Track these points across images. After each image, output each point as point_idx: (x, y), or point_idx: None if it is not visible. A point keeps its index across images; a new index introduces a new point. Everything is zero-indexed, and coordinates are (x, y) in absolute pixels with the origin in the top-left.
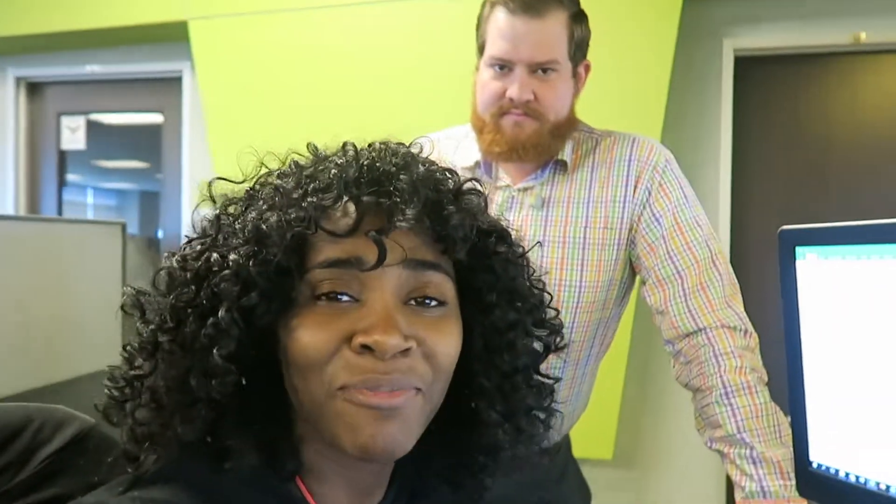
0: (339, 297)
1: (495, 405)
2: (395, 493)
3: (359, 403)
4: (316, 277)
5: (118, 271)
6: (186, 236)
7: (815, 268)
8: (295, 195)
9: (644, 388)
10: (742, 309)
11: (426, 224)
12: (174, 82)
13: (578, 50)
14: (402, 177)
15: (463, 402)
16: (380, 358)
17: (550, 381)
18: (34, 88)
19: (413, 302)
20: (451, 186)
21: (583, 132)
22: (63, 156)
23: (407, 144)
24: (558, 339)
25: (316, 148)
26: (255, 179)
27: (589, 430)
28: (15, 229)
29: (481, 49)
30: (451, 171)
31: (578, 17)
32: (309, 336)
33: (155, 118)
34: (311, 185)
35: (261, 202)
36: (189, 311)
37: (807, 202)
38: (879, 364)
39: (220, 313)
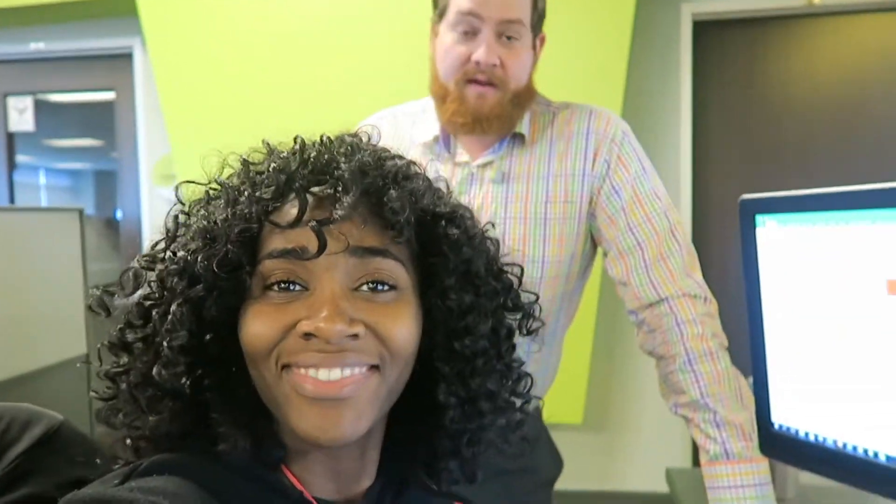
0: (288, 286)
1: (455, 390)
2: (383, 481)
3: (304, 393)
4: (266, 268)
5: (78, 258)
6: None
7: (774, 234)
8: (243, 192)
9: (611, 353)
10: (701, 277)
11: (364, 210)
12: (125, 58)
13: (539, 19)
14: (342, 166)
15: (430, 391)
16: (324, 344)
17: (517, 367)
18: None
19: (365, 288)
20: (390, 170)
21: (540, 104)
22: (11, 138)
23: (356, 133)
24: (530, 322)
25: (269, 144)
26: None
27: (559, 396)
28: None
29: (442, 13)
30: (399, 156)
31: None
32: (257, 325)
33: (107, 96)
34: (258, 181)
35: (216, 201)
36: (153, 309)
37: (766, 163)
38: (837, 328)
39: (172, 308)
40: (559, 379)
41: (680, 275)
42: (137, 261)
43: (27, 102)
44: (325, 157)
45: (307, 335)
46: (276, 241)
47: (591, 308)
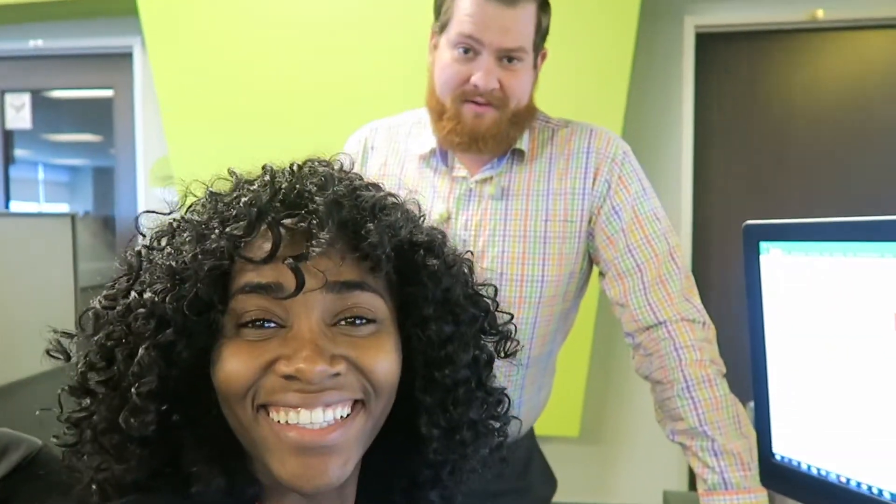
0: (263, 323)
1: (437, 421)
2: None
3: (287, 435)
4: (240, 305)
5: (69, 265)
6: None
7: (779, 263)
8: (211, 226)
9: (609, 366)
10: (699, 301)
11: (342, 245)
12: (124, 58)
13: (542, 39)
14: (317, 198)
15: (410, 422)
16: (306, 386)
17: (497, 392)
18: None
19: (343, 322)
20: (367, 202)
21: (539, 121)
22: (8, 135)
23: (328, 161)
24: (509, 345)
25: (235, 174)
26: (183, 208)
27: (555, 409)
28: None
29: (443, 26)
30: (374, 185)
31: (545, 7)
32: (232, 365)
33: (105, 93)
34: (227, 214)
35: (181, 235)
36: (116, 350)
37: (768, 177)
38: (841, 359)
39: (140, 352)
40: (556, 392)
41: (678, 298)
42: (99, 301)
43: (24, 99)
44: (297, 188)
45: (287, 377)
46: (248, 276)
47: (589, 322)
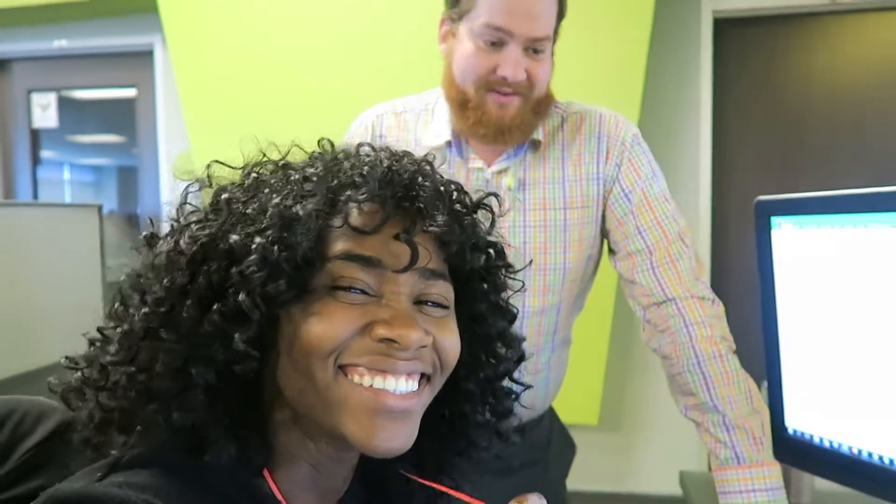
0: (357, 290)
1: (478, 409)
2: (358, 485)
3: (367, 396)
4: (336, 269)
5: (97, 255)
6: (173, 218)
7: (790, 237)
8: (320, 185)
9: (628, 355)
10: (707, 280)
11: (453, 231)
12: (146, 56)
13: (559, 24)
14: (426, 183)
15: (441, 406)
16: (399, 351)
17: (522, 388)
18: (2, 65)
19: (422, 304)
20: (467, 199)
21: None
22: (35, 134)
23: (411, 153)
24: (523, 346)
25: (331, 143)
26: (252, 166)
27: (575, 397)
28: None
29: (462, 14)
30: (456, 183)
31: None
32: (324, 324)
33: (128, 92)
34: (339, 178)
35: (273, 190)
36: (185, 296)
37: (786, 161)
38: (853, 332)
39: (241, 297)
40: (575, 380)
41: (688, 277)
42: (183, 241)
43: (50, 99)
44: (409, 171)
45: (385, 340)
46: (348, 244)
47: (608, 309)
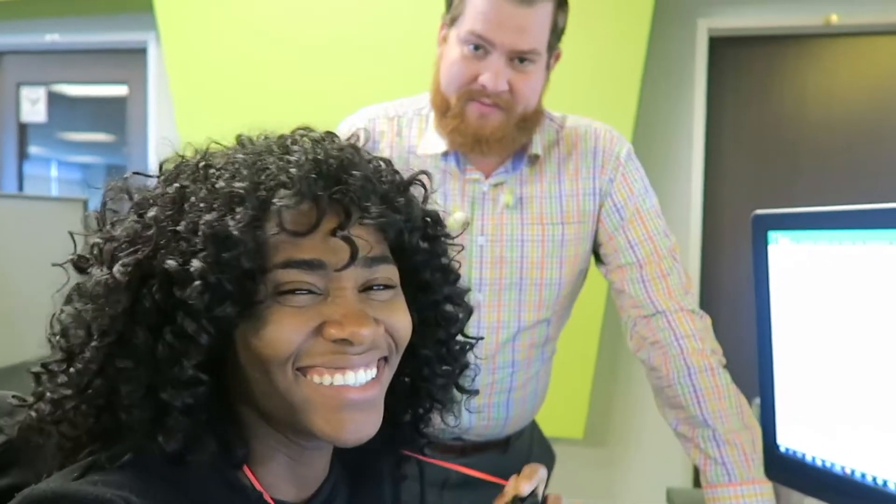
0: (303, 292)
1: (436, 370)
2: (334, 478)
3: (329, 394)
4: (278, 277)
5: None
6: (102, 233)
7: (787, 252)
8: (250, 194)
9: (615, 369)
10: (697, 296)
11: (388, 218)
12: (139, 54)
13: (557, 40)
14: (354, 172)
15: (402, 374)
16: (354, 349)
17: (473, 340)
18: None
19: (368, 289)
20: (398, 179)
21: (544, 119)
22: (23, 129)
23: (338, 135)
24: (468, 298)
25: (251, 140)
26: (172, 172)
27: (560, 410)
28: None
29: (454, 19)
30: (386, 160)
31: (563, 6)
32: (277, 332)
33: (119, 90)
34: (266, 183)
35: (201, 202)
36: (132, 321)
37: (779, 182)
38: (849, 349)
39: (185, 322)
40: (561, 394)
41: (679, 292)
42: (117, 271)
43: (40, 93)
44: (328, 160)
45: (338, 341)
46: (288, 251)
47: (596, 324)
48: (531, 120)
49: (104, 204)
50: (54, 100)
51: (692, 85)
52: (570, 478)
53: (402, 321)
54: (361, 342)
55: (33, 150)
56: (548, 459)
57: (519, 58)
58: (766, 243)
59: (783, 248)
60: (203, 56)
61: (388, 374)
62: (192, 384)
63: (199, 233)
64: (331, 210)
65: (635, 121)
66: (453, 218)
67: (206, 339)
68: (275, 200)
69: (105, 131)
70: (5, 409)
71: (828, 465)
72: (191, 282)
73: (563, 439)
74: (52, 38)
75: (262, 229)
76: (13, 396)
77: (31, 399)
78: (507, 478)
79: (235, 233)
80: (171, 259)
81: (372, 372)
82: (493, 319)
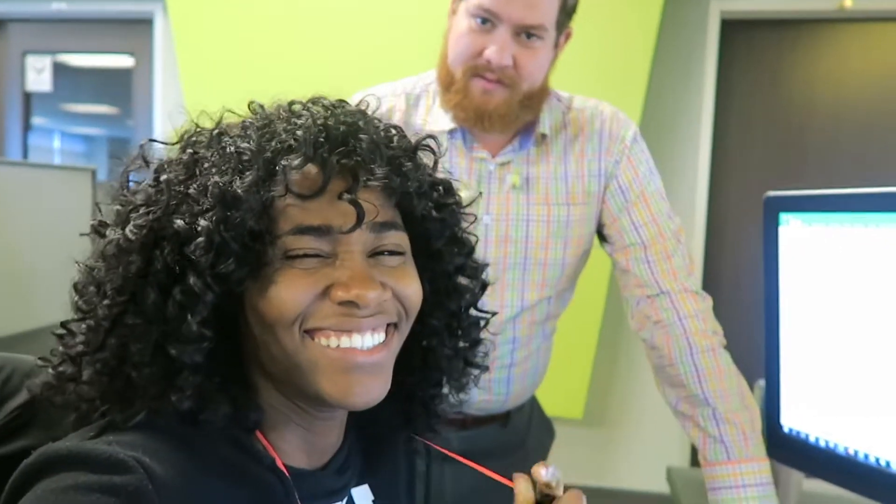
0: (311, 255)
1: (445, 342)
2: (348, 447)
3: (336, 356)
4: (287, 242)
5: (88, 219)
6: (122, 199)
7: (798, 234)
8: (257, 157)
9: (616, 350)
10: (700, 278)
11: (392, 182)
12: (145, 24)
13: (567, 17)
14: (361, 136)
15: (414, 343)
16: (360, 311)
17: (487, 315)
18: None
19: (378, 255)
20: (406, 143)
21: (552, 98)
22: (28, 98)
23: (349, 102)
24: (484, 275)
25: (261, 107)
26: (187, 140)
27: (560, 391)
28: None
29: None
30: (396, 126)
31: None
32: (284, 293)
33: (125, 61)
34: (273, 146)
35: (212, 167)
36: (144, 281)
37: (787, 168)
38: (856, 332)
39: (191, 280)
40: (561, 374)
41: (683, 273)
42: (130, 230)
43: (45, 62)
44: (336, 125)
45: (344, 303)
46: (296, 215)
47: (599, 304)
48: (536, 98)
49: (125, 173)
50: (59, 70)
51: (702, 67)
52: (568, 457)
53: (410, 287)
54: (367, 304)
55: (37, 120)
56: (546, 435)
57: (526, 33)
58: (777, 224)
59: (794, 230)
60: (210, 27)
61: (398, 339)
62: (197, 340)
63: (208, 194)
64: (338, 173)
65: (644, 102)
66: (461, 196)
67: (211, 296)
68: (282, 162)
69: (109, 103)
70: (26, 371)
71: (831, 445)
72: (196, 238)
73: (562, 419)
74: (58, 6)
75: (268, 191)
76: (39, 359)
77: (53, 360)
78: (506, 450)
79: (241, 193)
80: (179, 219)
81: (380, 336)
82: (497, 298)
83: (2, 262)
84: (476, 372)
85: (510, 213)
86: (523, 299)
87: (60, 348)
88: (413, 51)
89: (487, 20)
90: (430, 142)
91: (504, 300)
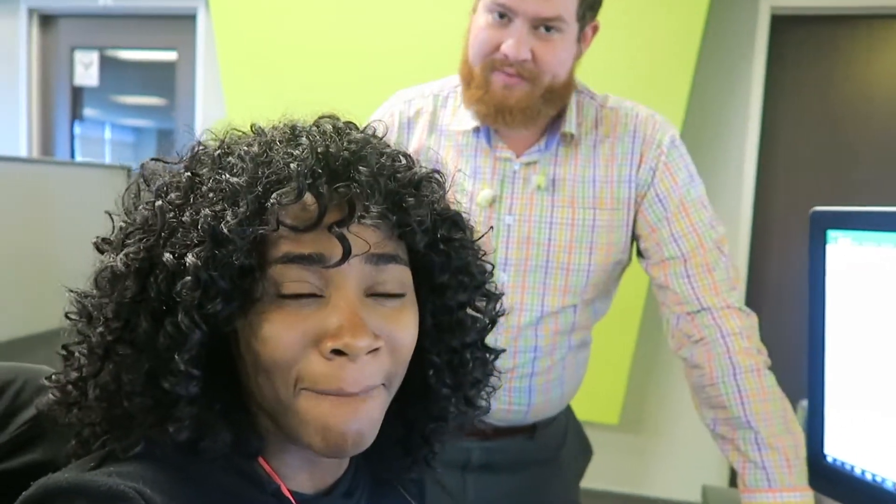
0: (303, 295)
1: (445, 379)
2: (354, 469)
3: (324, 404)
4: (277, 273)
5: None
6: (123, 225)
7: (846, 253)
8: (250, 188)
9: (654, 357)
10: (743, 292)
11: (388, 218)
12: (188, 20)
13: (590, 10)
14: (361, 168)
15: (414, 376)
16: (350, 359)
17: (495, 353)
18: (47, 21)
19: (375, 295)
20: (409, 176)
21: (583, 95)
22: (76, 92)
23: (359, 127)
24: (499, 307)
25: (262, 130)
26: (188, 161)
27: (596, 396)
28: (17, 171)
29: None
30: (406, 155)
31: None
32: (275, 336)
33: (169, 55)
34: (267, 178)
35: (209, 193)
36: (137, 309)
37: (838, 176)
38: None
39: (180, 317)
40: (598, 379)
41: (725, 287)
42: (121, 259)
43: (93, 57)
44: (335, 153)
45: (334, 351)
46: (288, 245)
47: (637, 311)
48: (559, 93)
49: (126, 193)
50: (107, 63)
51: (750, 66)
52: (602, 463)
53: (405, 334)
54: (356, 353)
55: (88, 112)
56: (582, 455)
57: (544, 26)
58: (824, 242)
59: (843, 249)
60: (251, 23)
61: (386, 398)
62: (187, 377)
63: (199, 227)
64: (335, 205)
65: (687, 102)
66: (481, 196)
67: (198, 335)
68: (273, 197)
69: (156, 95)
70: (37, 383)
71: (878, 479)
72: (184, 277)
73: (597, 424)
74: (104, 2)
75: (259, 226)
76: (46, 378)
77: (61, 379)
78: (532, 465)
79: (227, 231)
80: (168, 252)
81: (370, 395)
82: (517, 301)
83: (42, 258)
84: (477, 413)
85: (533, 214)
86: (543, 304)
87: (63, 370)
88: (452, 51)
89: (504, 14)
90: (437, 175)
91: (524, 304)
